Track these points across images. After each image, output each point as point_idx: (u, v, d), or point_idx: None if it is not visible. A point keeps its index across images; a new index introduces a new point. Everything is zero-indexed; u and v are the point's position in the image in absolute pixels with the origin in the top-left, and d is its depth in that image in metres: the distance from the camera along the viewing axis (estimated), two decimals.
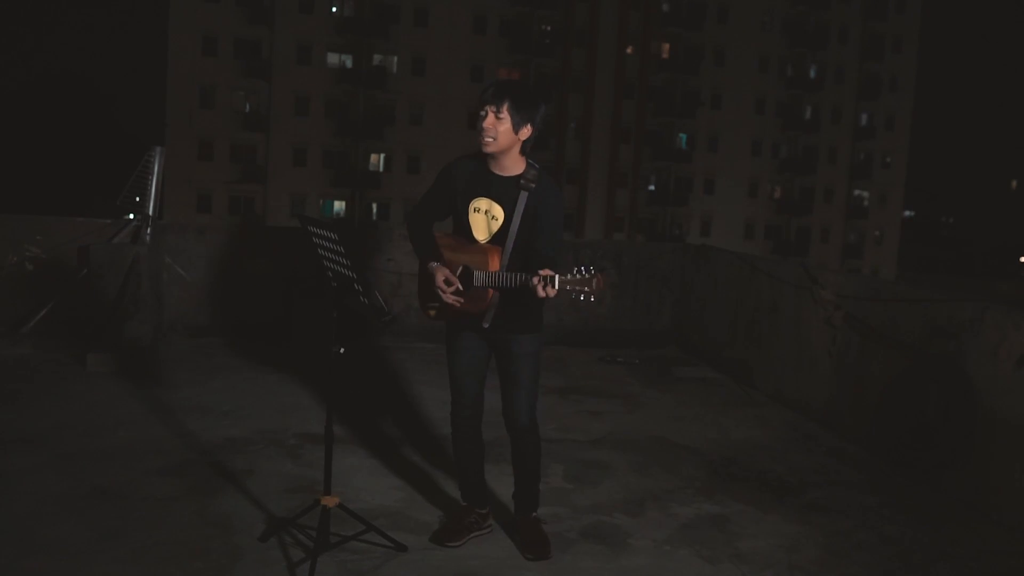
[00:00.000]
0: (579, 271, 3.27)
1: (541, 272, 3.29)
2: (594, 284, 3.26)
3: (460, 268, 3.64)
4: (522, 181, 3.61)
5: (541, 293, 3.28)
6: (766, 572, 3.84)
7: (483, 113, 3.58)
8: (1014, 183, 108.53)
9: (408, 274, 8.04)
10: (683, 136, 58.09)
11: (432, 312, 3.78)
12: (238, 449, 4.94)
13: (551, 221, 3.59)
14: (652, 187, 57.94)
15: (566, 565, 3.79)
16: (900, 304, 5.47)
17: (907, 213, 77.25)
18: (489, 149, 3.59)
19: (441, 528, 4.00)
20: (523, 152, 3.65)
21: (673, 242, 9.74)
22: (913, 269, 72.28)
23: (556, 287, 3.27)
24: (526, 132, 3.59)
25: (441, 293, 3.59)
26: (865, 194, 63.02)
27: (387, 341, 7.81)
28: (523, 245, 3.60)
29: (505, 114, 3.55)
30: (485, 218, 3.66)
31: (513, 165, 3.64)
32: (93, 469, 4.49)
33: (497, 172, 3.65)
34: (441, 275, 3.59)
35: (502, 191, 3.63)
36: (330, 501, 3.65)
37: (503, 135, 3.56)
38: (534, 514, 3.95)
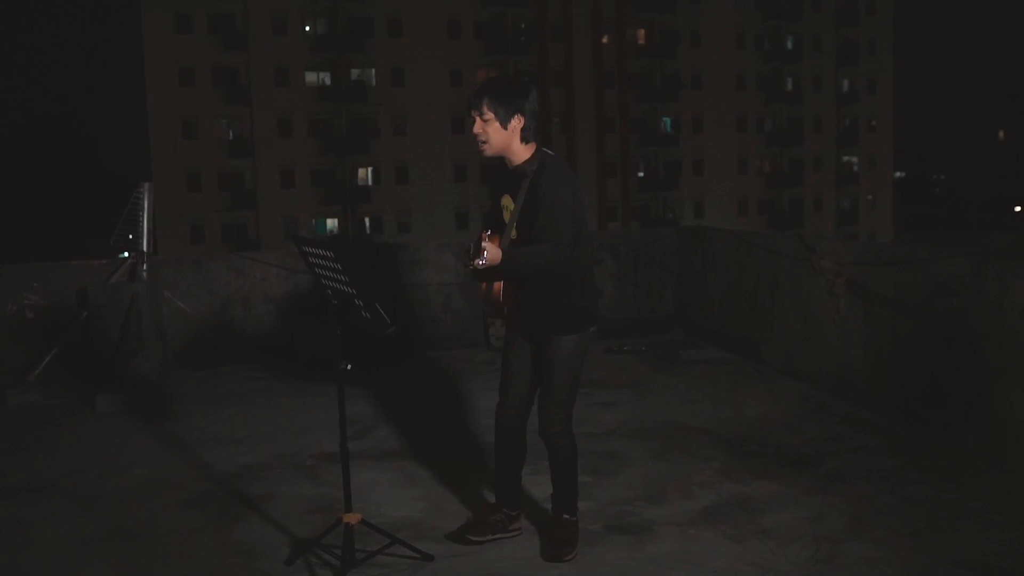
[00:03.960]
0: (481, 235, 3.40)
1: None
2: (483, 245, 3.36)
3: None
4: (519, 169, 3.63)
5: (470, 266, 3.38)
6: (793, 546, 3.85)
7: (471, 121, 3.60)
8: (1002, 133, 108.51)
9: (408, 285, 8.04)
10: (667, 120, 58.09)
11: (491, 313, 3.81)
12: (255, 475, 4.94)
13: (546, 203, 3.53)
14: (641, 174, 57.93)
15: (594, 558, 3.79)
16: (900, 265, 5.47)
17: (898, 174, 77.25)
18: (487, 153, 3.62)
19: (466, 522, 4.00)
20: (526, 141, 3.62)
21: (668, 226, 9.75)
22: (909, 229, 72.27)
23: (473, 255, 3.35)
24: (517, 123, 3.57)
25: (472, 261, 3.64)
26: (854, 159, 63.03)
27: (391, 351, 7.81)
28: (526, 230, 3.58)
29: (489, 113, 3.55)
30: (508, 213, 3.69)
31: (519, 157, 3.64)
32: (113, 510, 4.49)
33: (509, 167, 3.69)
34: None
35: (513, 183, 3.67)
36: (352, 518, 3.66)
37: (494, 135, 3.57)
38: (566, 515, 3.90)
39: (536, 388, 3.85)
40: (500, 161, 3.73)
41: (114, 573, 3.77)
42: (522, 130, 3.59)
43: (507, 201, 3.68)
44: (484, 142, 3.59)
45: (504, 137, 3.57)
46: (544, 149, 3.67)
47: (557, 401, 3.73)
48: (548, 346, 3.69)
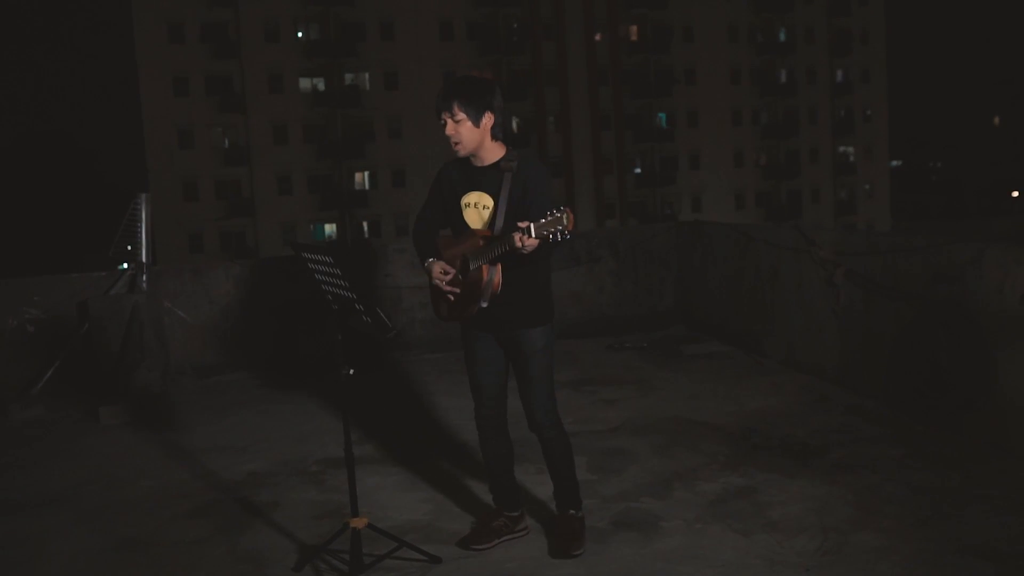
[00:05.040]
0: (549, 213, 3.28)
1: (519, 224, 3.31)
2: (565, 219, 3.23)
3: (459, 259, 3.67)
4: (502, 164, 3.66)
5: (518, 244, 3.30)
6: (800, 537, 3.85)
7: (442, 122, 3.64)
8: (997, 119, 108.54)
9: (407, 287, 8.04)
10: (662, 115, 58.05)
11: (443, 312, 3.78)
12: (261, 483, 4.94)
13: (537, 193, 3.60)
14: (638, 170, 57.92)
15: (602, 556, 3.79)
16: (899, 254, 5.47)
17: (894, 163, 77.18)
18: (462, 152, 3.67)
19: (469, 532, 4.01)
20: (495, 138, 3.68)
21: (666, 222, 9.74)
22: (907, 218, 72.29)
23: (533, 234, 3.27)
24: (488, 120, 3.63)
25: (439, 284, 3.67)
26: (850, 150, 63.00)
27: (394, 356, 7.81)
28: (513, 224, 3.58)
29: (460, 114, 3.60)
30: (477, 210, 3.70)
31: (491, 154, 3.69)
32: (120, 521, 4.49)
33: (479, 165, 3.71)
34: (437, 267, 3.70)
35: (487, 179, 3.69)
36: (359, 523, 3.66)
37: (466, 134, 3.62)
38: (571, 511, 3.91)
39: (507, 383, 3.88)
40: (460, 161, 3.74)
41: None
42: (492, 128, 3.65)
43: (476, 197, 3.69)
44: (458, 143, 3.64)
45: (477, 135, 3.63)
46: (508, 146, 3.71)
47: (539, 395, 3.76)
48: (522, 341, 3.72)
